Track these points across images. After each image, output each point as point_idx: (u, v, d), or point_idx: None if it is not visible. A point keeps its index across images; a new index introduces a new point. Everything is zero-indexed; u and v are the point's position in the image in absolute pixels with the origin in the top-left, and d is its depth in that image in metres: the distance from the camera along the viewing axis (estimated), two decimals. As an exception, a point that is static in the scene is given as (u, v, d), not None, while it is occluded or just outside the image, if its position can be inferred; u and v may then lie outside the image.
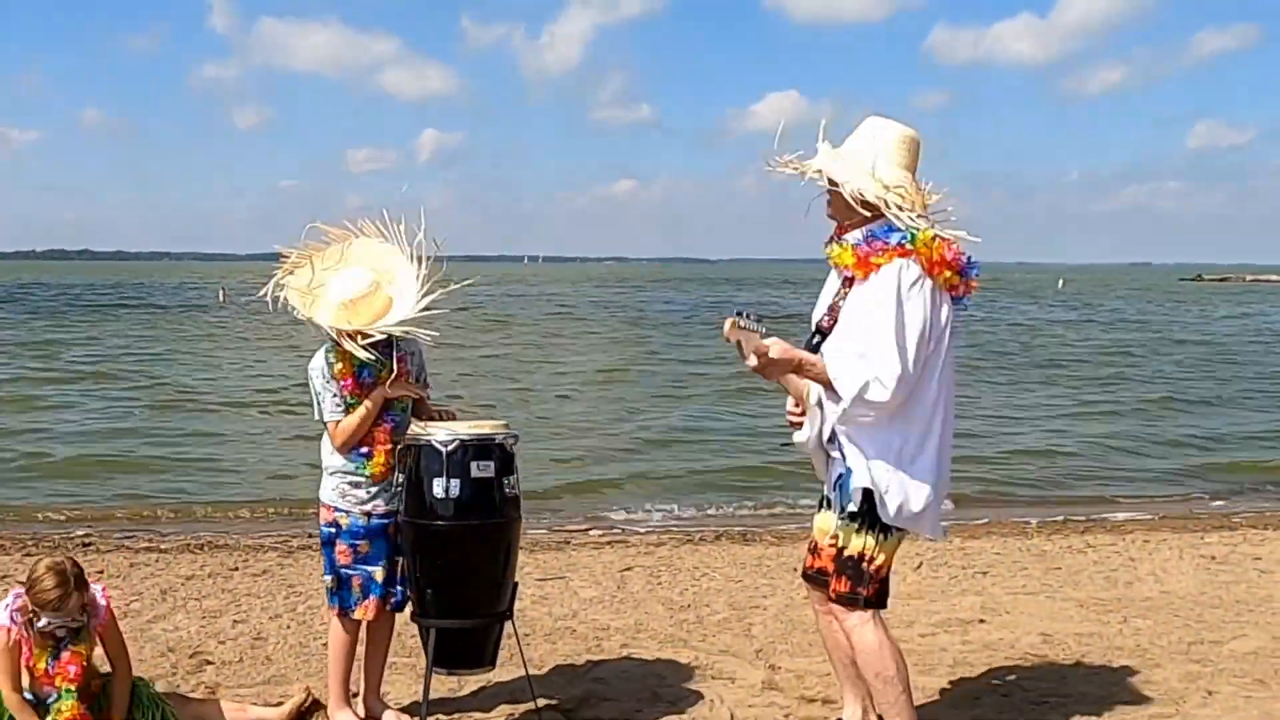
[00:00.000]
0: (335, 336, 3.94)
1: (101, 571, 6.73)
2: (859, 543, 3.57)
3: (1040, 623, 5.65)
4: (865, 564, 3.58)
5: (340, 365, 3.99)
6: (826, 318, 3.63)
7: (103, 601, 3.95)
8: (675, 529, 8.74)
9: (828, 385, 3.45)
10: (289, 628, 5.60)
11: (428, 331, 3.97)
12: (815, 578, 3.81)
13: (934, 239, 3.45)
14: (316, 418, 4.06)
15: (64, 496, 10.07)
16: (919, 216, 3.47)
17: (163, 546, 7.89)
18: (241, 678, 4.83)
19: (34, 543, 8.00)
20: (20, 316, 37.26)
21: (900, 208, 3.43)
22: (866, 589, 3.60)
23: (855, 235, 3.52)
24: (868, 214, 3.47)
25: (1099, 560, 7.16)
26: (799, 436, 3.68)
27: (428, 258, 4.06)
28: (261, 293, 4.07)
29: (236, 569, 6.95)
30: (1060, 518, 9.30)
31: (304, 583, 6.54)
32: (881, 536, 3.57)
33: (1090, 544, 7.74)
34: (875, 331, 3.38)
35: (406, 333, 3.95)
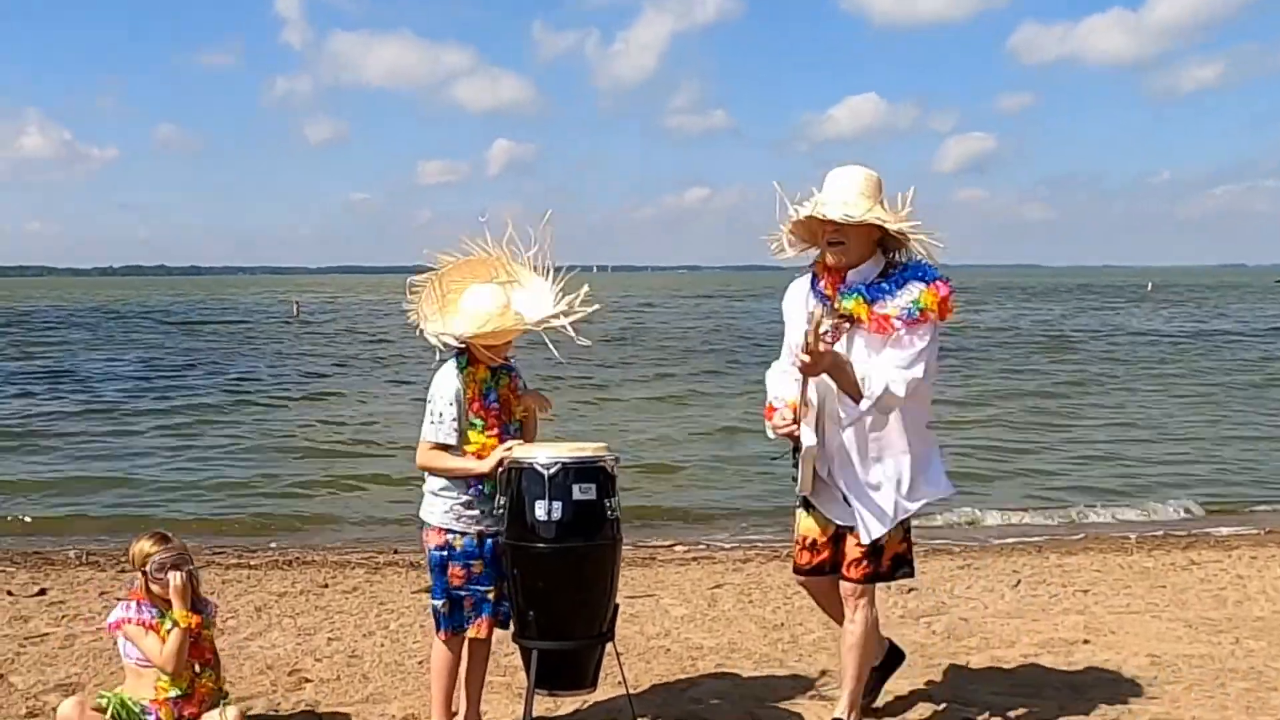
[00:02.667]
0: (471, 345, 3.99)
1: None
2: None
3: (1147, 643, 5.48)
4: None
5: (471, 388, 4.02)
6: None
7: (208, 599, 4.24)
8: (761, 545, 8.64)
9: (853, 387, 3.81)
10: (383, 645, 5.61)
11: (572, 321, 4.00)
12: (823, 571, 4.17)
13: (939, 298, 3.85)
14: (423, 435, 4.05)
15: (155, 512, 10.26)
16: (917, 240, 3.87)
17: (252, 563, 7.99)
18: (340, 696, 4.84)
19: (128, 559, 8.13)
20: (113, 339, 38.19)
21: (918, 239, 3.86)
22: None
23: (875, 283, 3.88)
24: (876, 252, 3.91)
25: (1205, 578, 6.93)
26: (810, 439, 3.92)
27: (546, 268, 4.07)
28: (412, 321, 4.08)
29: (326, 586, 7.00)
30: (1160, 532, 9.05)
31: (393, 599, 6.57)
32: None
33: (1194, 561, 7.50)
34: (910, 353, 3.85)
35: (552, 326, 4.00)
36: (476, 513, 4.02)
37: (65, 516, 10.03)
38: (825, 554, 4.14)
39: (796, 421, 3.94)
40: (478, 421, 4.02)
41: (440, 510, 4.06)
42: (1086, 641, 5.54)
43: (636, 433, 14.92)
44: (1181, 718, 4.48)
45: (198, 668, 4.04)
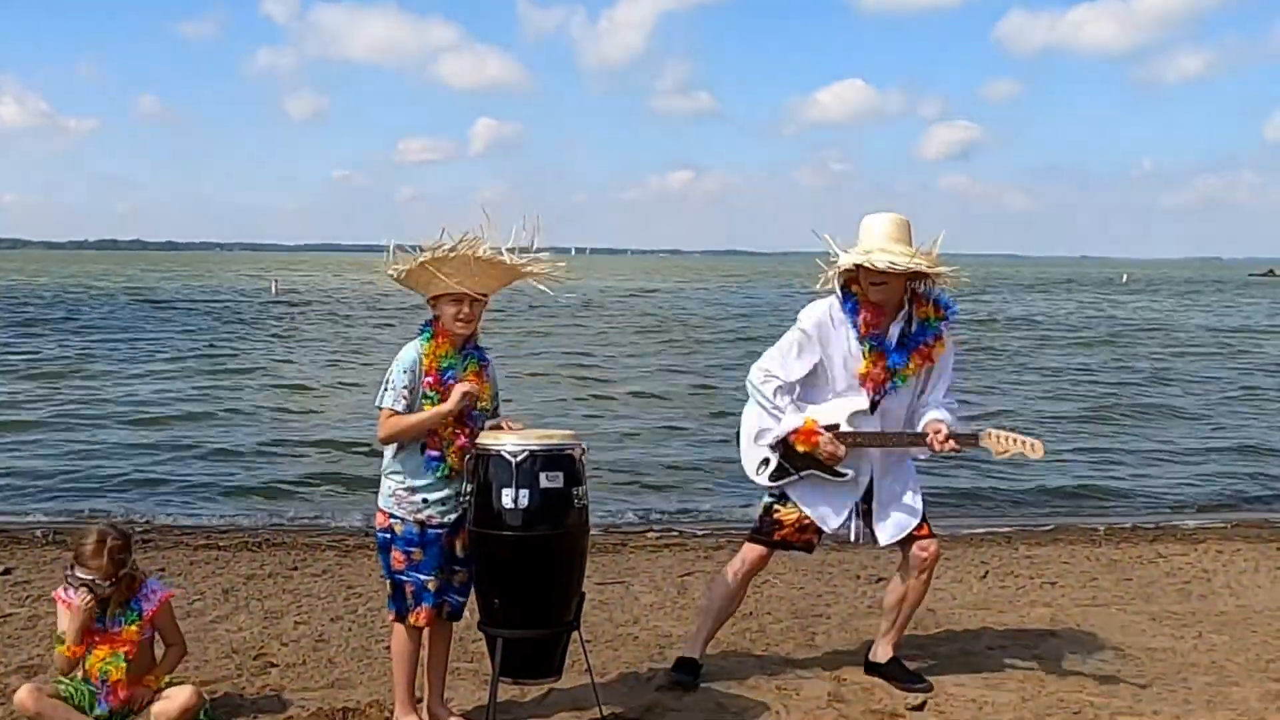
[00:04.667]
0: (439, 308, 4.01)
1: (163, 570, 6.77)
2: None
3: (1112, 636, 5.53)
4: None
5: (429, 360, 4.00)
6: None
7: (158, 590, 4.25)
8: (734, 531, 8.62)
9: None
10: (350, 630, 5.59)
11: (547, 273, 4.02)
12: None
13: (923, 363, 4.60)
14: (375, 403, 4.02)
15: (121, 493, 10.18)
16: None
17: (221, 544, 7.93)
18: (305, 681, 4.82)
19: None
20: (87, 318, 37.70)
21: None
22: None
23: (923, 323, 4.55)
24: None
25: (1171, 571, 6.99)
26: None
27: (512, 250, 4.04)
28: (387, 274, 4.04)
29: (296, 568, 6.96)
30: (1129, 524, 9.10)
31: (363, 583, 6.54)
32: None
33: (1161, 554, 7.56)
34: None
35: (528, 273, 4.01)
36: (418, 500, 4.00)
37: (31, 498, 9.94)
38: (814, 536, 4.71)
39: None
40: (433, 395, 3.98)
41: (385, 493, 4.05)
42: (1052, 634, 5.57)
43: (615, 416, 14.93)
44: (1143, 711, 4.51)
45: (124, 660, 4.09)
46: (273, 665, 5.02)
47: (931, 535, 4.66)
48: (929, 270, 4.40)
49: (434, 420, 3.94)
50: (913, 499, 4.64)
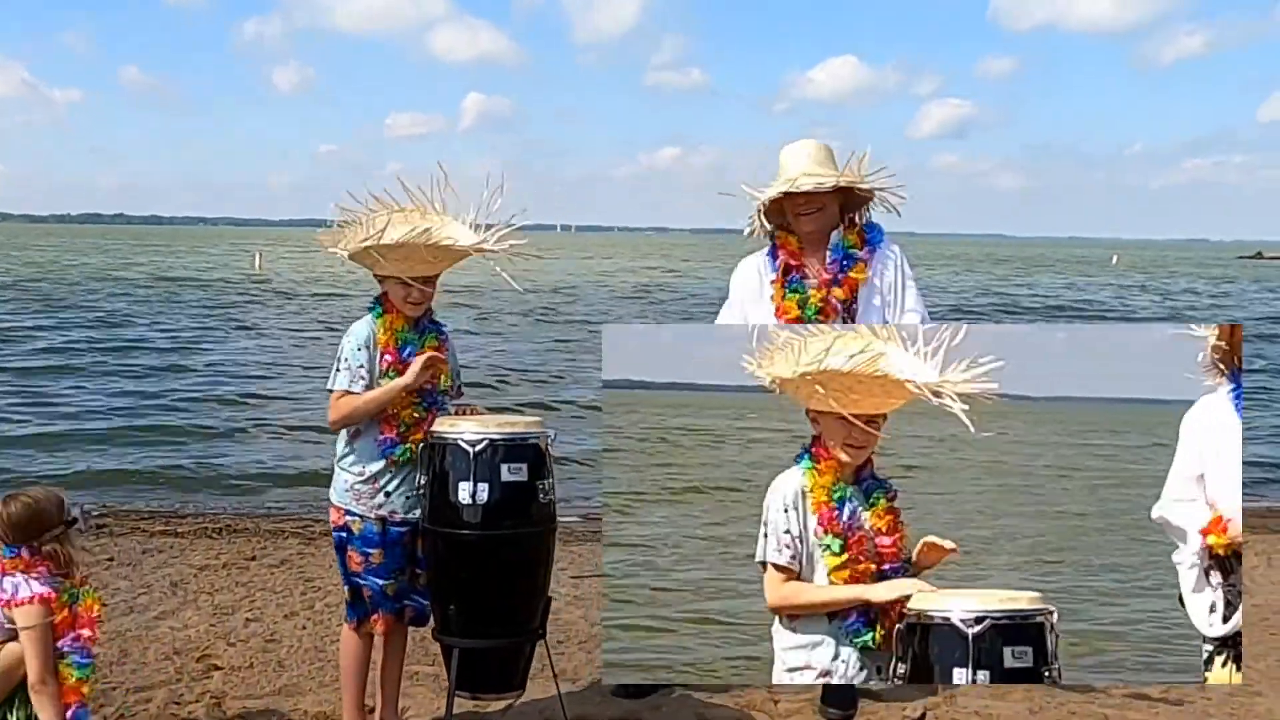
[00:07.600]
0: (388, 286, 3.63)
1: (112, 559, 6.38)
2: None
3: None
4: None
5: (384, 335, 3.60)
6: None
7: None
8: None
9: None
10: (304, 628, 5.20)
11: (498, 250, 3.60)
12: None
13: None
14: (327, 386, 3.61)
15: (78, 472, 9.76)
16: None
17: (179, 530, 7.53)
18: (250, 686, 4.44)
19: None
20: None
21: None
22: None
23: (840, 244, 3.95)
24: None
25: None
26: None
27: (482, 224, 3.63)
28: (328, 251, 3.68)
29: (254, 558, 6.56)
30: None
31: (322, 576, 6.15)
32: None
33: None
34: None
35: (480, 251, 3.60)
36: (378, 494, 3.59)
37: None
38: None
39: None
40: (392, 374, 3.58)
41: (340, 487, 3.64)
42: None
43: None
44: (1161, 724, 4.16)
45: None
46: (216, 668, 4.63)
47: None
48: (857, 185, 3.87)
49: (390, 397, 3.54)
50: None
